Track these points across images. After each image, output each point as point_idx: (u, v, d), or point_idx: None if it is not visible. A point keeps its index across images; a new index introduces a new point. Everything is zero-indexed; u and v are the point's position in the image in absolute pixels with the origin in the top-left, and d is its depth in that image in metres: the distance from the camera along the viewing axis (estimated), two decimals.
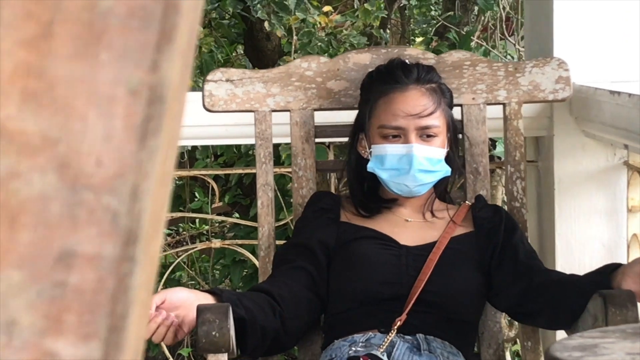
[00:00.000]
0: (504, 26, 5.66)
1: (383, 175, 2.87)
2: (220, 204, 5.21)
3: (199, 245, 3.82)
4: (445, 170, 2.89)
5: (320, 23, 5.40)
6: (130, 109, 0.58)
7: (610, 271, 2.71)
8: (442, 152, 2.87)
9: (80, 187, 0.58)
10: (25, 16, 0.57)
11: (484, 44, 5.49)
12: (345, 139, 3.12)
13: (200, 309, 2.64)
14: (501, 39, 5.67)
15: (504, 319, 3.59)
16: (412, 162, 2.82)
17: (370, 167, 2.89)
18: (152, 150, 0.59)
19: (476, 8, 5.56)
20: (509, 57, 5.62)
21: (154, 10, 0.58)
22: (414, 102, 2.85)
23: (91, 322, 0.59)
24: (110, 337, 0.59)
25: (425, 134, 2.85)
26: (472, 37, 5.14)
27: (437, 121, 2.85)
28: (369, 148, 2.90)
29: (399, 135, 2.85)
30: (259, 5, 5.41)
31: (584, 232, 3.39)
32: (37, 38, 0.58)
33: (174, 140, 0.63)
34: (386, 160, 2.86)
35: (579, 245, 3.38)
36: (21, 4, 0.57)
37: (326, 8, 5.59)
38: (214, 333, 2.62)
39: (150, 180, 0.59)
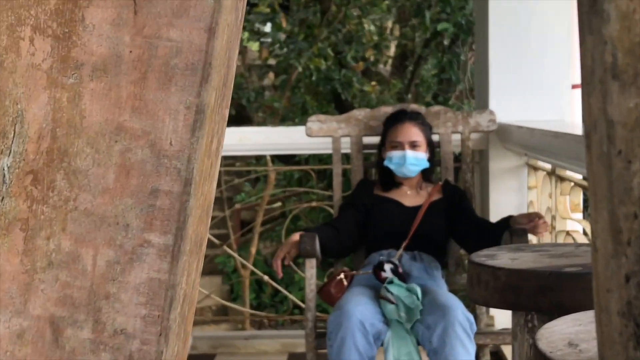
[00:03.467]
0: (469, 93, 5.56)
1: (392, 167, 2.86)
2: (322, 185, 5.20)
3: (306, 204, 3.83)
4: (425, 163, 2.86)
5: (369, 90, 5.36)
6: (186, 116, 0.58)
7: (508, 219, 2.66)
8: (424, 155, 2.84)
9: (162, 156, 0.58)
10: (131, 67, 0.57)
11: (459, 103, 5.41)
12: None
13: (301, 236, 2.65)
14: (468, 101, 5.57)
15: None
16: (406, 159, 2.81)
17: (386, 163, 2.87)
18: (199, 138, 0.59)
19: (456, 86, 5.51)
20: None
21: (198, 65, 0.57)
22: (407, 129, 2.83)
23: (167, 225, 0.58)
24: (177, 233, 0.59)
25: (413, 145, 2.82)
26: (451, 98, 5.10)
27: (419, 138, 2.83)
28: (385, 152, 2.89)
29: (399, 146, 2.83)
30: (337, 84, 5.38)
31: (504, 199, 3.32)
32: (139, 79, 0.57)
33: (217, 134, 0.62)
34: (393, 159, 2.84)
35: (502, 206, 3.30)
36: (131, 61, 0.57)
37: (372, 83, 5.55)
38: (307, 247, 2.63)
39: (198, 153, 0.59)
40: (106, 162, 0.58)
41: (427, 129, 2.89)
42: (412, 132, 2.83)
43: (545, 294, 1.48)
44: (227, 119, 0.65)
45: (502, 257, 1.63)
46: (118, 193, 0.58)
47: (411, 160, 2.82)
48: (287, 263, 2.74)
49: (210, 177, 0.63)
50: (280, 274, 2.72)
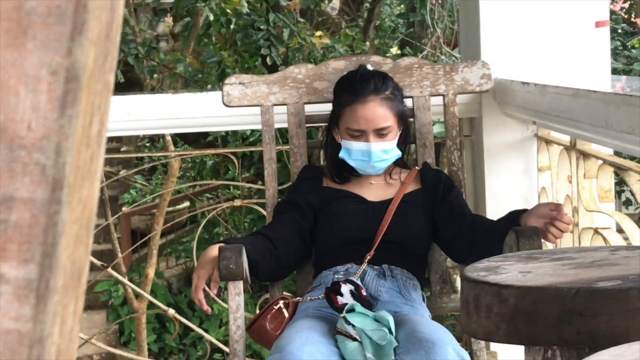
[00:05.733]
0: (449, 41, 5.62)
1: (352, 163, 2.90)
2: (247, 175, 5.19)
3: (225, 204, 3.80)
4: (396, 154, 2.90)
5: (314, 44, 5.39)
6: (52, 86, 0.56)
7: (519, 214, 2.68)
8: (394, 142, 2.86)
9: (16, 146, 0.56)
10: None
11: (435, 54, 5.45)
12: None
13: (220, 249, 2.64)
14: (448, 52, 5.63)
15: None
16: (371, 155, 2.84)
17: (341, 156, 2.90)
18: (71, 117, 0.56)
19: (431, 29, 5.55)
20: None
21: (66, 9, 0.55)
22: (372, 112, 2.83)
23: (28, 250, 0.56)
24: (44, 261, 0.56)
25: (380, 133, 2.84)
26: (424, 48, 5.13)
27: (389, 122, 2.84)
28: (340, 138, 2.89)
29: (361, 135, 2.84)
30: (262, 40, 5.37)
31: (506, 187, 3.38)
32: None
33: (99, 111, 0.60)
34: (352, 153, 2.87)
35: (502, 197, 3.37)
36: None
37: (318, 33, 5.58)
38: (231, 266, 2.61)
39: (71, 140, 0.57)
40: None
41: (398, 100, 2.90)
42: (379, 115, 2.83)
43: (571, 321, 1.50)
44: (112, 87, 0.63)
45: (510, 270, 1.64)
46: None
47: (378, 155, 2.84)
48: (214, 292, 2.73)
49: (91, 176, 0.60)
50: (207, 308, 2.71)
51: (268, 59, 5.43)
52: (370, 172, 2.90)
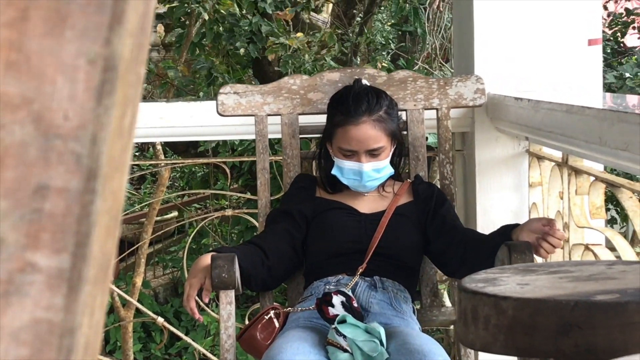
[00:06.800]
0: (440, 55, 5.63)
1: (344, 181, 2.91)
2: (236, 186, 5.18)
3: (216, 214, 3.79)
4: (389, 172, 2.91)
5: (288, 45, 5.34)
6: (89, 75, 0.55)
7: (511, 229, 2.69)
8: (386, 160, 2.87)
9: (52, 135, 0.55)
10: (6, 3, 0.54)
11: (427, 67, 5.46)
12: None
13: (213, 258, 2.64)
14: (440, 66, 5.65)
15: None
16: (363, 175, 2.85)
17: (334, 173, 2.91)
18: (108, 107, 0.56)
19: (420, 45, 5.56)
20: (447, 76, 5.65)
21: None
22: (364, 133, 2.83)
23: (61, 240, 0.56)
24: (77, 251, 0.56)
25: (373, 154, 2.84)
26: (416, 62, 5.13)
27: (381, 143, 2.84)
28: (333, 156, 2.90)
29: (353, 154, 2.84)
30: (242, 38, 5.37)
31: (497, 202, 3.39)
32: (16, 20, 0.55)
33: (131, 102, 0.60)
34: (344, 171, 2.88)
35: (493, 211, 3.38)
36: None
37: (299, 34, 5.56)
38: (223, 274, 2.61)
39: (107, 131, 0.56)
40: None
41: (393, 116, 2.90)
42: (370, 136, 2.83)
43: (569, 334, 1.50)
44: (143, 81, 0.63)
45: (507, 282, 1.64)
46: None
47: (370, 175, 2.86)
48: (205, 300, 2.72)
49: (122, 167, 0.60)
50: (199, 317, 2.70)
51: (250, 53, 5.39)
52: (362, 191, 2.92)
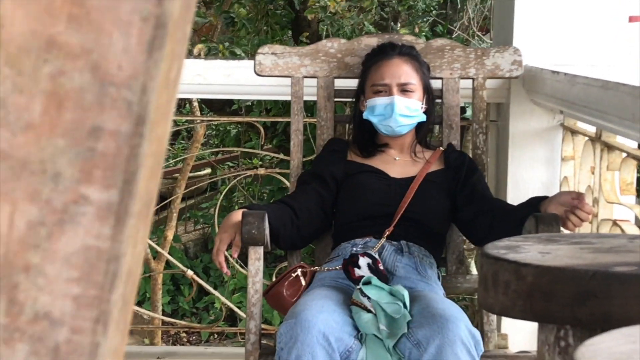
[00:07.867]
0: (481, 24, 5.62)
1: (374, 119, 2.93)
2: (270, 146, 5.24)
3: (248, 172, 3.84)
4: (421, 116, 2.94)
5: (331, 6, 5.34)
6: (142, 30, 0.62)
7: (539, 200, 2.73)
8: (418, 103, 2.92)
9: (107, 83, 0.62)
10: None
11: (466, 36, 5.47)
12: None
13: (244, 214, 2.69)
14: (478, 37, 5.64)
15: None
16: (394, 108, 2.88)
17: (366, 115, 2.95)
18: (157, 61, 0.62)
19: (462, 12, 5.55)
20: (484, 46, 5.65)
21: None
22: (396, 67, 2.91)
23: (111, 177, 0.62)
24: (124, 187, 0.63)
25: (405, 89, 2.89)
26: (455, 30, 5.14)
27: (413, 80, 2.90)
28: (365, 103, 2.96)
29: (385, 90, 2.90)
30: None
31: (528, 174, 3.41)
32: None
33: (178, 57, 0.66)
34: (375, 109, 2.92)
35: (524, 183, 3.40)
36: None
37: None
38: (253, 231, 2.67)
39: (155, 81, 0.63)
40: (31, 89, 0.61)
41: (424, 70, 2.96)
42: (403, 72, 2.90)
43: (585, 302, 1.53)
44: (188, 38, 0.69)
45: (529, 250, 1.69)
46: (46, 131, 0.62)
47: (401, 110, 2.88)
48: (234, 255, 2.77)
49: (166, 116, 0.67)
50: (227, 271, 2.77)
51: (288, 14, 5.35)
52: (392, 128, 2.92)
